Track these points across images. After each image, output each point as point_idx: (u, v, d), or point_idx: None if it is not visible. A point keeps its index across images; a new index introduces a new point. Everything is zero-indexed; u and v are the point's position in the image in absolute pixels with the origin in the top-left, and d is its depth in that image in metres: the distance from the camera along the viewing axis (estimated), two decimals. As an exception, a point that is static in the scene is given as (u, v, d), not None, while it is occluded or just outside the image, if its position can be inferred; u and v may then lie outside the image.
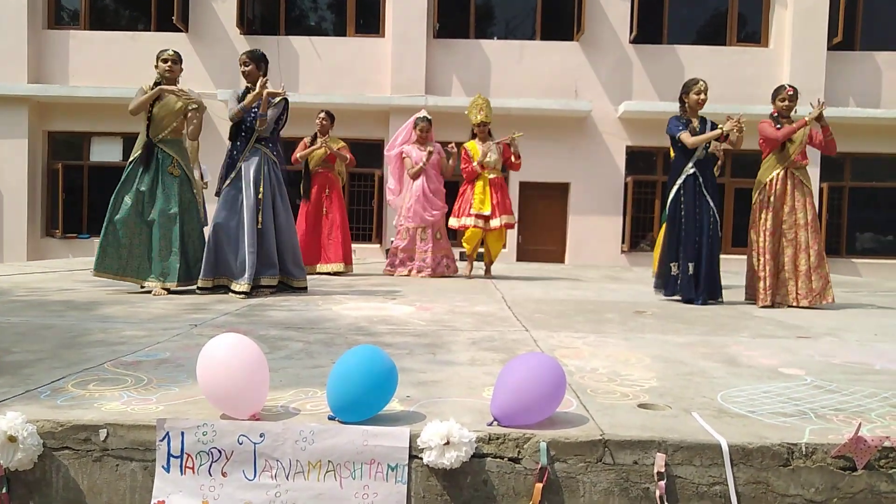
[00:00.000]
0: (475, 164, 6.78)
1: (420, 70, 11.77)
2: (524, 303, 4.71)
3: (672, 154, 5.35)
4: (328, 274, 6.79)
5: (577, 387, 2.20)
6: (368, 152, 12.44)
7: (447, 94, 11.84)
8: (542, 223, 12.34)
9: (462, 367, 2.48)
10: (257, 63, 4.78)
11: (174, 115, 4.73)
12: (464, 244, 7.04)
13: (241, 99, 4.75)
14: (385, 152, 7.53)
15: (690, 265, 4.92)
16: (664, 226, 5.29)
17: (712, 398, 2.11)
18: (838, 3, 11.62)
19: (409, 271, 6.98)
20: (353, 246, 12.00)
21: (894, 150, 12.08)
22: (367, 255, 11.76)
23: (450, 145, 6.97)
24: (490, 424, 1.75)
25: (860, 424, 1.72)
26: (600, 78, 11.94)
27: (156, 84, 4.76)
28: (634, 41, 11.91)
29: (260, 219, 4.67)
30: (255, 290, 4.64)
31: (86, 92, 11.71)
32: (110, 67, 11.94)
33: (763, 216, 4.93)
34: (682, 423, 1.82)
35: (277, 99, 4.77)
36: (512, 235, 12.15)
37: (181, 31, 11.92)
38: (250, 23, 12.39)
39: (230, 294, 4.62)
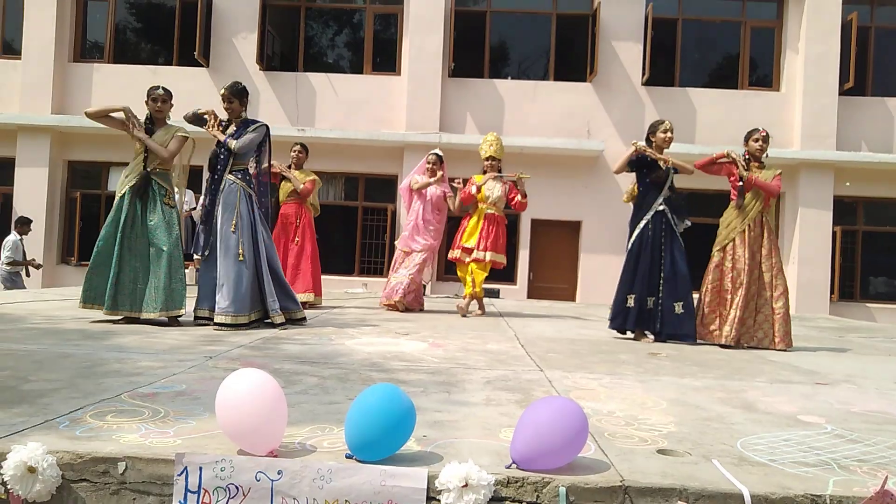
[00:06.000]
0: (473, 187, 6.70)
1: (434, 108, 11.95)
2: (537, 341, 4.69)
3: (635, 191, 5.50)
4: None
5: (595, 430, 2.18)
6: (382, 188, 12.57)
7: (461, 132, 11.99)
8: (553, 261, 12.35)
9: (478, 408, 2.47)
10: (240, 98, 4.89)
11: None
12: (462, 283, 7.01)
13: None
14: (399, 188, 7.57)
15: (650, 300, 5.01)
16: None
17: (732, 445, 2.09)
18: (849, 49, 11.75)
19: (390, 299, 6.82)
20: (365, 279, 12.16)
21: (907, 195, 12.07)
22: (378, 288, 11.75)
23: (456, 181, 6.98)
24: (508, 467, 1.74)
25: (887, 477, 1.69)
26: (612, 118, 12.07)
27: (147, 119, 4.84)
28: (647, 83, 12.07)
29: (241, 251, 4.64)
30: (238, 326, 4.57)
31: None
32: (132, 100, 11.96)
33: (740, 257, 4.93)
34: (702, 471, 1.80)
35: (254, 125, 4.83)
36: (523, 272, 12.16)
37: (202, 66, 12.20)
38: (269, 59, 12.68)
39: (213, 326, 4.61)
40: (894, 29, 12.47)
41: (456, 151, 10.59)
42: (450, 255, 6.94)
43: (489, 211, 6.75)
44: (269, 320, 4.80)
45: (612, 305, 5.20)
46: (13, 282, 9.38)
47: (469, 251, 6.69)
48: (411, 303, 6.84)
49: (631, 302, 5.02)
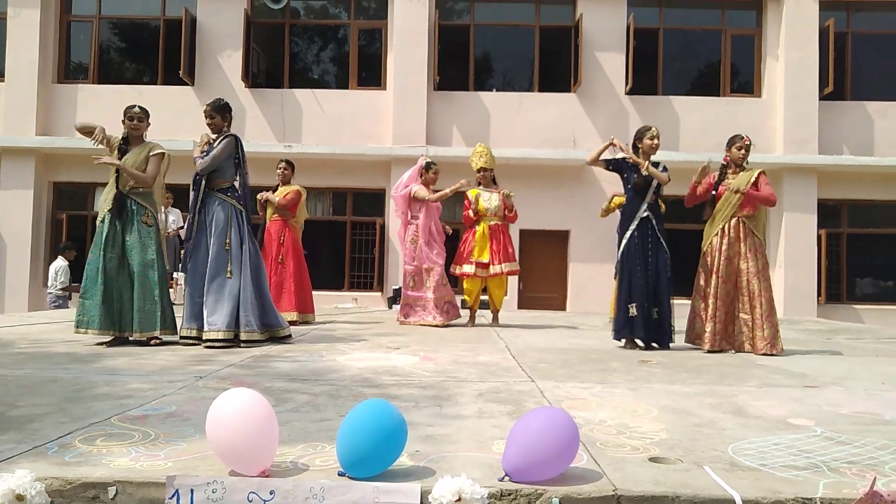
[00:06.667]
0: (470, 211, 6.78)
1: (421, 121, 12.00)
2: (528, 352, 4.70)
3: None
4: None
5: (587, 439, 2.18)
6: (371, 202, 12.58)
7: (447, 145, 12.04)
8: (542, 271, 12.37)
9: (469, 421, 2.47)
10: (222, 114, 4.86)
11: (139, 167, 4.72)
12: (465, 295, 6.97)
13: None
14: (392, 194, 7.40)
15: (646, 305, 5.03)
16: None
17: (723, 451, 2.10)
18: (828, 55, 11.94)
19: (422, 319, 6.76)
20: (356, 294, 12.12)
21: (889, 197, 12.22)
22: (368, 303, 11.74)
23: (464, 181, 6.92)
24: (501, 480, 1.74)
25: (875, 479, 1.71)
26: (598, 128, 12.16)
27: (123, 140, 4.81)
28: (630, 92, 12.19)
29: (229, 269, 4.65)
30: (228, 343, 4.57)
31: (92, 144, 11.90)
32: (117, 120, 12.12)
33: (715, 261, 4.97)
34: (694, 478, 1.81)
35: (220, 140, 4.76)
36: (513, 283, 12.15)
37: (187, 84, 12.20)
38: (255, 76, 12.70)
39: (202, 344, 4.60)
40: (871, 34, 12.70)
41: (443, 164, 10.52)
42: (459, 272, 6.87)
43: (493, 222, 6.82)
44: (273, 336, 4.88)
45: (616, 317, 5.20)
46: (59, 305, 9.98)
47: (485, 266, 6.73)
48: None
49: (633, 310, 5.02)
